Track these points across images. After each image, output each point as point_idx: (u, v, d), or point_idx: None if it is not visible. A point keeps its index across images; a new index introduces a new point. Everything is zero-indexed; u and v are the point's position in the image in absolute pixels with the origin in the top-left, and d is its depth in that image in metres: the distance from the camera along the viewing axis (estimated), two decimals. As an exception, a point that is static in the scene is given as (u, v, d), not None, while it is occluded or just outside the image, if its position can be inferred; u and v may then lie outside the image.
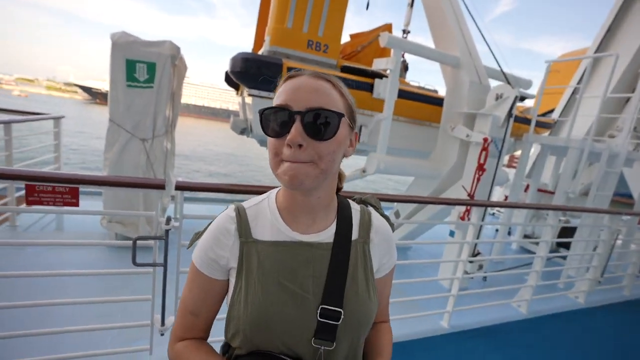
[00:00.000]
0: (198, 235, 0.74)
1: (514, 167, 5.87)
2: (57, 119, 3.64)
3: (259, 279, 0.66)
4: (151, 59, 2.91)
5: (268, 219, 0.71)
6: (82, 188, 1.41)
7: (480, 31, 3.91)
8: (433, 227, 4.93)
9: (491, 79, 3.93)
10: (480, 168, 3.46)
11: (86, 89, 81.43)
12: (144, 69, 2.89)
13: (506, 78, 3.92)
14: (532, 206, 3.93)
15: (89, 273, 1.64)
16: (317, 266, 0.68)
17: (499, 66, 3.95)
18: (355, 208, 0.78)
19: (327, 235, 0.71)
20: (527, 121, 4.54)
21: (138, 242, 1.36)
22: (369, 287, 0.71)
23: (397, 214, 4.64)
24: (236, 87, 4.36)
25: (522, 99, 4.14)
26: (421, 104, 4.21)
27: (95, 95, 78.04)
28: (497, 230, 5.77)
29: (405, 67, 5.13)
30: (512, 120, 3.48)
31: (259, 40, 4.45)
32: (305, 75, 0.64)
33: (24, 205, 2.34)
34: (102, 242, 1.61)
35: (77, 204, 1.38)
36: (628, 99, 5.29)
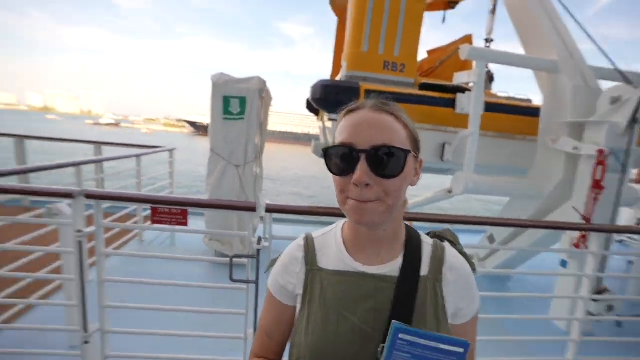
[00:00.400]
0: (273, 261, 0.79)
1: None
2: (171, 151, 4.36)
3: (320, 308, 0.66)
4: (242, 94, 3.31)
5: (333, 249, 0.71)
6: (190, 210, 1.65)
7: (581, 27, 3.42)
8: (537, 255, 4.27)
9: (602, 80, 3.36)
10: (597, 185, 2.92)
11: (191, 123, 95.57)
12: (237, 103, 3.29)
13: (624, 77, 3.29)
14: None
15: (191, 285, 1.87)
16: (379, 299, 0.65)
17: (612, 64, 3.35)
18: (427, 242, 0.73)
19: (392, 268, 0.67)
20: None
21: (234, 260, 1.51)
22: (440, 328, 0.64)
23: (491, 239, 4.19)
24: (316, 112, 4.61)
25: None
26: (512, 116, 3.82)
27: (199, 128, 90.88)
28: (630, 262, 4.67)
29: (490, 78, 4.76)
30: (637, 126, 2.88)
31: (336, 67, 4.67)
32: (366, 108, 0.63)
33: (148, 224, 2.81)
34: (204, 258, 1.84)
35: (186, 224, 1.62)
36: None
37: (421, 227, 0.83)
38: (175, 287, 2.27)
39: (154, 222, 1.59)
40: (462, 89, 3.50)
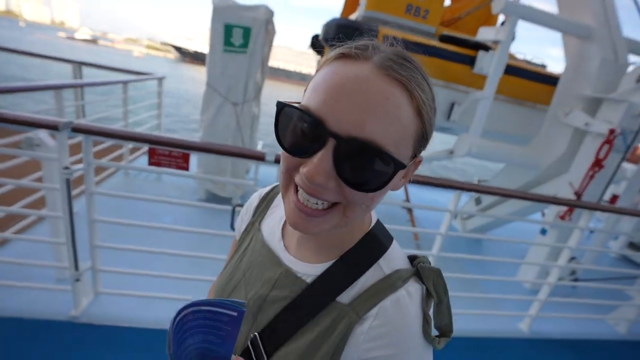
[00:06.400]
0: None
1: (632, 161, 4.88)
2: (160, 80, 3.98)
3: (234, 265, 0.63)
4: (247, 24, 2.93)
5: (279, 216, 0.62)
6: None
7: None
8: (514, 221, 4.44)
9: (634, 55, 3.17)
10: (598, 164, 2.92)
11: (177, 49, 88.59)
12: (240, 34, 2.93)
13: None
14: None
15: (186, 230, 1.81)
16: (276, 293, 0.53)
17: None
18: (383, 267, 0.50)
19: (310, 271, 0.52)
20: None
21: (220, 204, 1.43)
22: None
23: (478, 200, 4.29)
24: (322, 52, 4.26)
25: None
26: (527, 82, 3.64)
27: (185, 55, 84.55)
28: (591, 232, 4.96)
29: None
30: None
31: (350, 4, 4.19)
32: (372, 62, 0.39)
33: (134, 156, 2.56)
34: (203, 205, 1.74)
35: (187, 168, 1.49)
36: None
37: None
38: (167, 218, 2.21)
39: (151, 164, 1.45)
40: (484, 46, 3.23)
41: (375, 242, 0.52)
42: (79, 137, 1.43)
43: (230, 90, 3.13)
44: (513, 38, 4.51)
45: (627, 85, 2.86)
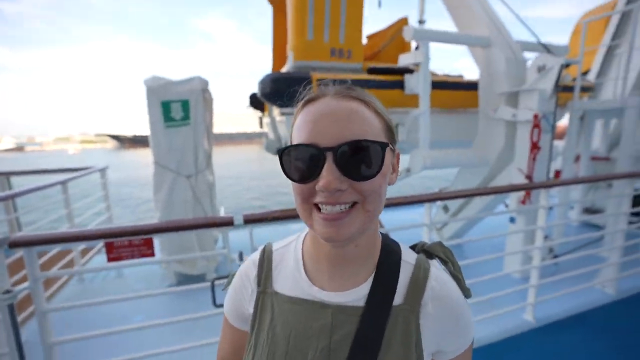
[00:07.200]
0: (231, 278, 0.67)
1: (558, 138, 5.47)
2: (102, 171, 3.78)
3: (267, 342, 0.56)
4: (184, 97, 2.95)
5: (291, 268, 0.60)
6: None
7: (510, 9, 3.72)
8: (485, 219, 4.64)
9: (528, 53, 3.70)
10: (535, 147, 3.21)
11: (114, 137, 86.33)
12: (179, 107, 2.93)
13: (546, 48, 3.66)
14: (605, 177, 3.56)
15: (164, 323, 1.60)
16: (337, 336, 0.53)
17: (535, 36, 3.72)
18: (408, 260, 0.58)
19: (357, 295, 0.55)
20: (566, 89, 4.21)
21: (194, 283, 1.30)
22: None
23: (445, 208, 4.43)
24: (261, 108, 4.38)
25: (566, 66, 3.86)
26: (453, 92, 4.02)
27: (123, 141, 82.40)
28: (550, 208, 5.31)
29: (427, 58, 4.96)
30: (559, 90, 3.23)
31: (278, 59, 4.46)
32: (328, 96, 0.51)
33: (87, 257, 2.30)
34: (177, 289, 1.56)
35: (153, 254, 1.36)
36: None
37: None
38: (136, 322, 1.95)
39: (111, 259, 1.30)
40: (408, 70, 3.55)
41: (392, 246, 0.60)
42: (19, 252, 1.26)
43: (180, 163, 3.04)
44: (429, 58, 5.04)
45: (532, 76, 3.28)
